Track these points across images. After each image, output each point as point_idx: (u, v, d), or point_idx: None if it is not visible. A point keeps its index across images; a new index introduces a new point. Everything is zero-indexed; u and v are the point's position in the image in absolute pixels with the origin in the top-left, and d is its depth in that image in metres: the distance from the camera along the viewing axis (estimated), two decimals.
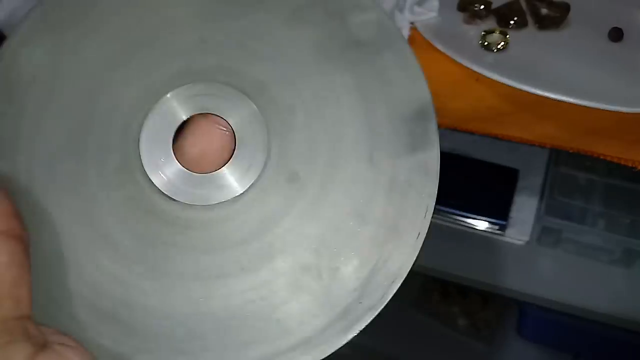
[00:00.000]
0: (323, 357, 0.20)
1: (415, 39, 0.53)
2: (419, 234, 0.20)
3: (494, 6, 0.53)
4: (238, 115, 0.21)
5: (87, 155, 0.20)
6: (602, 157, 0.52)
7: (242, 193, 0.20)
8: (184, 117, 0.21)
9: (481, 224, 0.71)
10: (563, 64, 0.49)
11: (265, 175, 0.20)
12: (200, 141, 0.21)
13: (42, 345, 0.17)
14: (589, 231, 0.66)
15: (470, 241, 0.72)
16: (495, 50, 0.50)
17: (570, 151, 0.53)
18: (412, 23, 0.53)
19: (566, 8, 0.52)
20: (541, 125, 0.51)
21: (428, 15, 0.53)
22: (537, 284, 0.69)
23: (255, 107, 0.21)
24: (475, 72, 0.49)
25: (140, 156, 0.20)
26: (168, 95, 0.21)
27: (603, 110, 0.47)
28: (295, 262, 0.20)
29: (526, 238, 0.70)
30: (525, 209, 0.73)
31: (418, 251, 0.20)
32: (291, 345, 0.20)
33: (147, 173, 0.20)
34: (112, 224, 0.20)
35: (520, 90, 0.48)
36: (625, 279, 0.68)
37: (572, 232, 0.67)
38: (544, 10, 0.51)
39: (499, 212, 0.70)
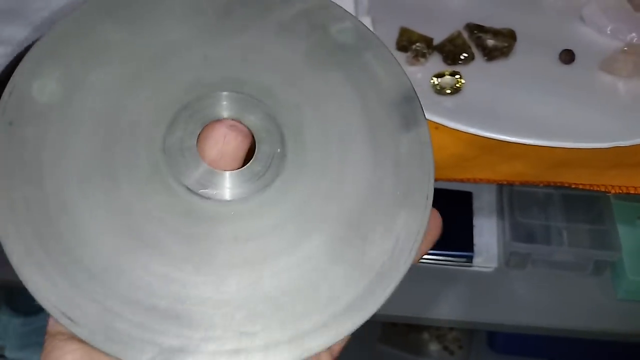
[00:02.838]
0: (369, 317, 0.21)
1: None
2: (427, 195, 0.22)
3: (435, 42, 0.49)
4: (253, 116, 0.23)
5: (116, 170, 0.21)
6: (573, 186, 0.49)
7: (271, 183, 0.22)
8: (203, 125, 0.22)
9: (447, 259, 0.67)
10: (522, 98, 0.46)
11: (288, 166, 0.22)
12: (217, 143, 0.22)
13: None
14: (557, 250, 0.63)
15: (437, 277, 0.68)
16: (449, 93, 0.45)
17: (540, 185, 0.50)
18: None
19: (512, 36, 0.48)
20: (508, 165, 0.48)
21: None
22: (512, 310, 0.66)
23: (267, 108, 0.23)
24: (433, 121, 0.44)
25: (169, 164, 0.22)
26: (186, 107, 0.22)
27: None
28: (329, 236, 0.22)
29: (494, 265, 0.67)
30: (485, 232, 0.70)
31: (429, 210, 0.22)
32: (340, 310, 0.21)
33: (179, 178, 0.22)
34: (154, 230, 0.21)
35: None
36: (598, 290, 0.66)
37: (541, 254, 0.64)
38: (491, 42, 0.47)
39: (464, 244, 0.66)
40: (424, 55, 0.48)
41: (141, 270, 0.21)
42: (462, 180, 0.50)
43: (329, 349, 0.22)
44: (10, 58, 0.58)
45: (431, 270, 0.68)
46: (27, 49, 0.60)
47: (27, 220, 0.20)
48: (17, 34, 0.62)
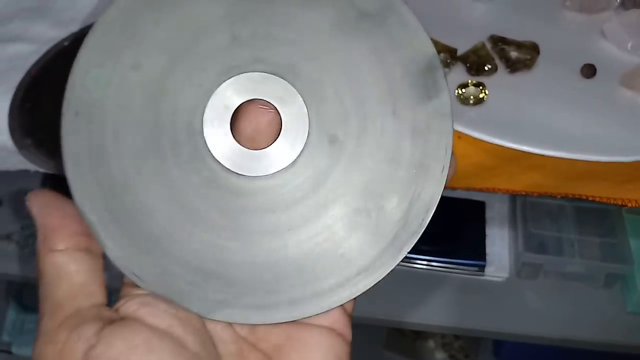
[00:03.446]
0: (381, 279, 0.24)
1: None
2: (443, 167, 0.23)
3: (458, 53, 0.50)
4: (279, 96, 0.24)
5: (164, 151, 0.24)
6: (590, 198, 0.50)
7: (295, 160, 0.24)
8: (235, 106, 0.24)
9: (459, 268, 0.67)
10: (543, 110, 0.47)
11: (310, 142, 0.24)
12: (250, 122, 0.24)
13: (112, 321, 0.22)
14: (569, 261, 0.64)
15: (448, 285, 0.68)
16: (472, 103, 0.46)
17: (557, 196, 0.50)
18: None
19: (535, 49, 0.49)
20: (528, 176, 0.49)
21: None
22: (523, 320, 0.67)
23: (291, 87, 0.24)
24: (457, 130, 0.45)
25: (207, 145, 0.24)
26: (217, 91, 0.24)
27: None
28: (347, 207, 0.24)
29: (505, 274, 0.68)
30: (497, 241, 0.70)
31: (444, 182, 0.23)
32: (355, 273, 0.24)
33: (216, 157, 0.24)
34: (198, 203, 0.24)
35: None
36: (609, 302, 0.66)
37: (553, 265, 0.64)
38: (514, 54, 0.48)
39: (476, 253, 0.67)
40: (447, 65, 0.49)
41: (188, 237, 0.24)
42: (481, 190, 0.51)
43: (343, 306, 0.25)
44: (38, 55, 0.59)
45: (442, 277, 0.69)
46: (57, 45, 0.61)
47: (99, 197, 0.24)
48: (43, 32, 0.63)
